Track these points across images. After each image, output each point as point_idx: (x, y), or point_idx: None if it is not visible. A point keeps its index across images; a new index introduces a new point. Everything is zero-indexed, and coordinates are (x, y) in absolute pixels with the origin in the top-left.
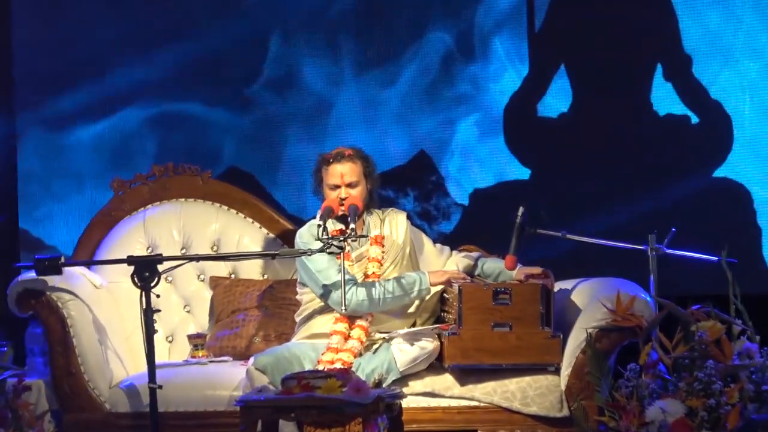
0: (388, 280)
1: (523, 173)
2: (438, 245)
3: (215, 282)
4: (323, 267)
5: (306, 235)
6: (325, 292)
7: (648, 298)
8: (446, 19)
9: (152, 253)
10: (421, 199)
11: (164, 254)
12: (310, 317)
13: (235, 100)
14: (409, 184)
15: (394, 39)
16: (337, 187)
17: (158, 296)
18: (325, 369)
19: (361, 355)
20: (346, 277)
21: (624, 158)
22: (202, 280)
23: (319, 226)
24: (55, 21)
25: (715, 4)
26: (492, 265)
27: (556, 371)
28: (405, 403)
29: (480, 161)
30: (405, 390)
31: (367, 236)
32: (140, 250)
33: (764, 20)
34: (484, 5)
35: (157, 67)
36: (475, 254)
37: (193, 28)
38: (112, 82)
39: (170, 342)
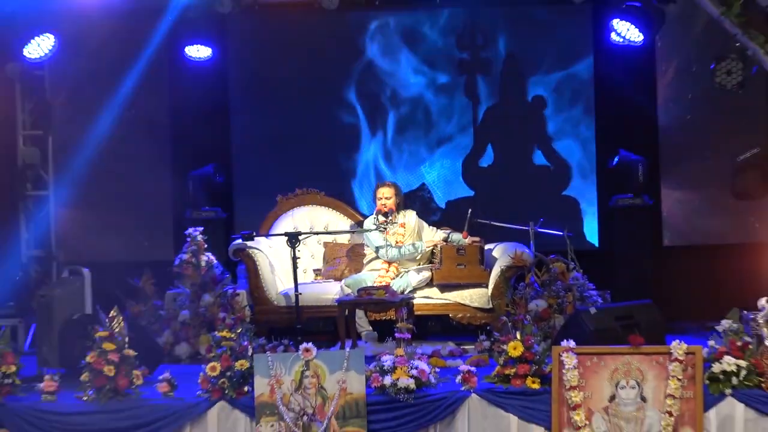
0: (406, 245)
1: (471, 192)
2: (431, 227)
3: (326, 244)
4: (375, 238)
5: (368, 222)
6: (377, 250)
7: (529, 252)
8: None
9: (295, 230)
10: (422, 204)
11: (301, 231)
12: (369, 261)
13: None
14: (416, 198)
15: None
16: (381, 199)
17: (297, 255)
18: (376, 285)
19: (393, 279)
20: (384, 242)
21: (520, 189)
22: (319, 243)
23: (374, 217)
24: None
25: None
26: (456, 236)
27: (486, 286)
28: (415, 302)
29: (449, 186)
30: (415, 295)
31: (396, 223)
32: (290, 229)
33: None
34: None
35: None
36: (448, 231)
37: None
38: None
39: (305, 273)
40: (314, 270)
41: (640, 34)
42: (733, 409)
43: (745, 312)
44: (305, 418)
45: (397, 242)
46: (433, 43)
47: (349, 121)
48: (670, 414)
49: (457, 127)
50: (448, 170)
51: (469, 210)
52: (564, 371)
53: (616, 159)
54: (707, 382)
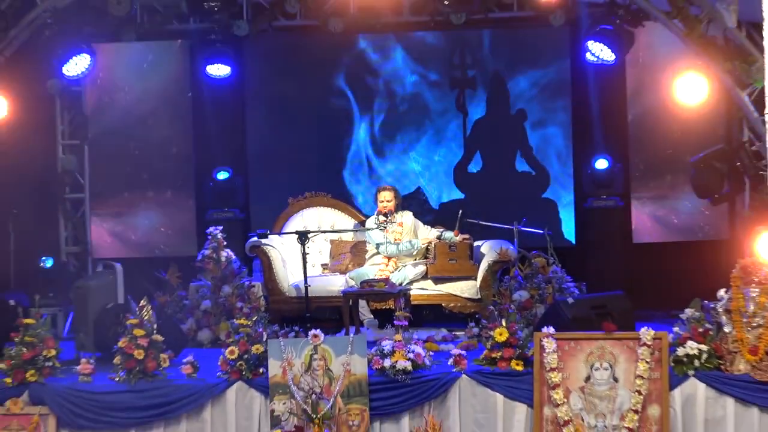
0: (404, 242)
1: (461, 195)
2: (426, 226)
3: (332, 242)
4: (376, 235)
5: (370, 222)
6: (377, 246)
7: (513, 249)
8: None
9: (305, 229)
10: (417, 206)
11: (310, 230)
12: (371, 257)
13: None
14: (413, 200)
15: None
16: (383, 201)
17: (307, 251)
18: (377, 278)
19: (392, 272)
20: (385, 239)
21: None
22: (326, 241)
23: (375, 217)
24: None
25: None
26: (448, 234)
27: (475, 279)
28: (411, 293)
29: (442, 188)
30: (411, 286)
31: (395, 223)
32: (300, 227)
33: None
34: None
35: None
36: (441, 229)
37: None
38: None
39: (313, 267)
40: (322, 264)
41: (612, 54)
42: (696, 388)
43: (706, 302)
44: (314, 396)
45: (395, 239)
46: (428, 62)
47: (351, 132)
48: (639, 393)
49: (449, 137)
50: (442, 175)
51: (460, 211)
52: (544, 355)
53: (591, 165)
54: (672, 364)
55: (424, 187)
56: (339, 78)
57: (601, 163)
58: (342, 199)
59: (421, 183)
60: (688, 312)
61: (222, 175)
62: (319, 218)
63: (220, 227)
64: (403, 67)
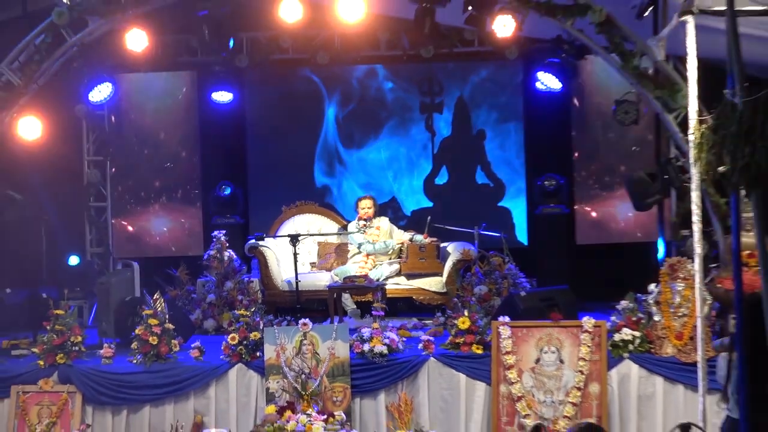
0: (380, 242)
1: (430, 204)
2: (399, 229)
3: (319, 243)
4: (357, 237)
5: (352, 226)
6: (358, 246)
7: (474, 249)
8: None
9: (296, 232)
10: (392, 212)
11: (300, 233)
12: (353, 256)
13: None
14: (388, 208)
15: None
16: (363, 208)
17: (297, 251)
18: (358, 274)
19: (371, 270)
20: (365, 241)
21: (467, 201)
22: (314, 243)
23: (356, 222)
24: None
25: None
26: (418, 237)
27: (442, 275)
28: (387, 287)
29: (414, 197)
30: (387, 282)
31: (373, 227)
32: (292, 231)
33: None
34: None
35: None
36: (412, 233)
37: None
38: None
39: (303, 265)
40: (310, 263)
41: (559, 83)
42: (630, 368)
43: (639, 295)
44: (303, 376)
45: (373, 241)
46: (402, 89)
47: (335, 148)
48: (582, 372)
49: (420, 154)
50: (413, 187)
51: (429, 217)
52: (501, 340)
53: (540, 178)
54: (610, 348)
55: (398, 196)
56: (326, 103)
57: (549, 177)
58: (327, 207)
59: (396, 193)
60: (624, 303)
61: (225, 187)
62: (308, 223)
63: (224, 231)
64: (381, 93)
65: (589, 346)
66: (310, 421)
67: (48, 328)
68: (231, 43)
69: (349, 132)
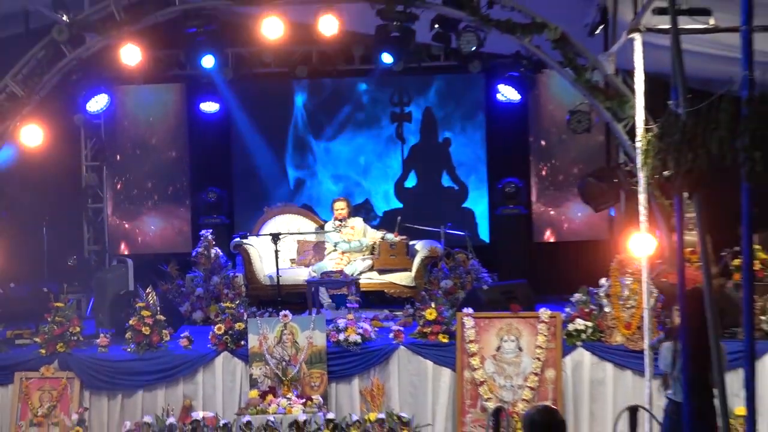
0: (354, 241)
1: (400, 205)
2: (372, 229)
3: (298, 242)
4: (333, 236)
5: (328, 226)
6: (334, 245)
7: (441, 247)
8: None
9: (277, 231)
10: (366, 213)
11: (281, 232)
12: (329, 253)
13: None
14: (362, 209)
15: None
16: (338, 210)
17: (279, 249)
18: (334, 270)
19: (346, 265)
20: (340, 239)
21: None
22: (294, 241)
23: (333, 222)
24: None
25: None
26: (389, 236)
27: (411, 270)
28: (361, 281)
29: (385, 199)
30: (361, 277)
31: (348, 226)
32: (273, 230)
33: None
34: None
35: None
36: (384, 232)
37: None
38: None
39: (283, 261)
40: (290, 259)
41: (518, 94)
42: (582, 356)
43: (591, 288)
44: (284, 363)
45: (348, 239)
46: (374, 101)
47: (313, 165)
48: (539, 359)
49: (391, 160)
50: (385, 189)
51: (399, 217)
52: (465, 330)
53: (501, 182)
54: (564, 337)
55: (371, 198)
56: (302, 112)
57: (509, 181)
58: (306, 208)
59: (370, 195)
60: (577, 296)
61: (212, 189)
62: (288, 223)
63: (210, 230)
64: (354, 102)
65: (545, 336)
66: (290, 404)
67: (49, 319)
68: (213, 61)
69: (320, 122)
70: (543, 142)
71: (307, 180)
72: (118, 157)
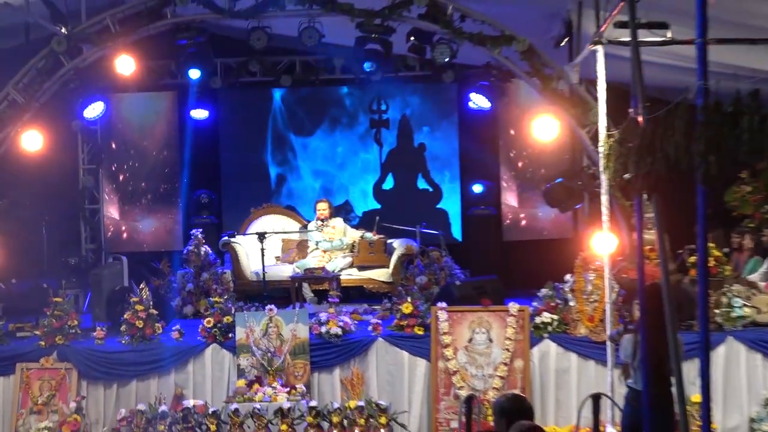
0: (335, 239)
1: (378, 206)
2: (352, 228)
3: (283, 240)
4: (316, 235)
5: (311, 225)
6: (317, 243)
7: (416, 245)
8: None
9: (263, 231)
10: (346, 213)
11: (267, 231)
12: (312, 251)
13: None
14: (343, 210)
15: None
16: (320, 210)
17: (264, 247)
18: (317, 266)
19: (327, 263)
20: (322, 238)
21: (410, 204)
22: (279, 239)
23: (315, 222)
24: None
25: None
26: (368, 234)
27: (388, 267)
28: (341, 277)
29: (364, 200)
30: (341, 273)
31: (329, 226)
32: (259, 229)
33: None
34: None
35: None
36: (363, 231)
37: None
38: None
39: (269, 259)
40: (275, 257)
41: (488, 102)
42: (549, 347)
43: (557, 284)
44: (269, 354)
45: (330, 238)
46: (352, 106)
47: (293, 161)
48: (508, 350)
49: (369, 163)
50: (364, 191)
51: (377, 217)
52: (439, 323)
53: (472, 184)
54: (532, 329)
55: (350, 199)
56: (286, 121)
57: (477, 184)
58: (290, 209)
59: (349, 196)
60: (544, 291)
61: (202, 191)
62: (273, 223)
63: (200, 229)
64: (335, 111)
65: (514, 328)
66: (275, 392)
67: (48, 313)
68: (199, 73)
69: (300, 119)
70: (512, 147)
71: (287, 175)
72: (114, 161)
